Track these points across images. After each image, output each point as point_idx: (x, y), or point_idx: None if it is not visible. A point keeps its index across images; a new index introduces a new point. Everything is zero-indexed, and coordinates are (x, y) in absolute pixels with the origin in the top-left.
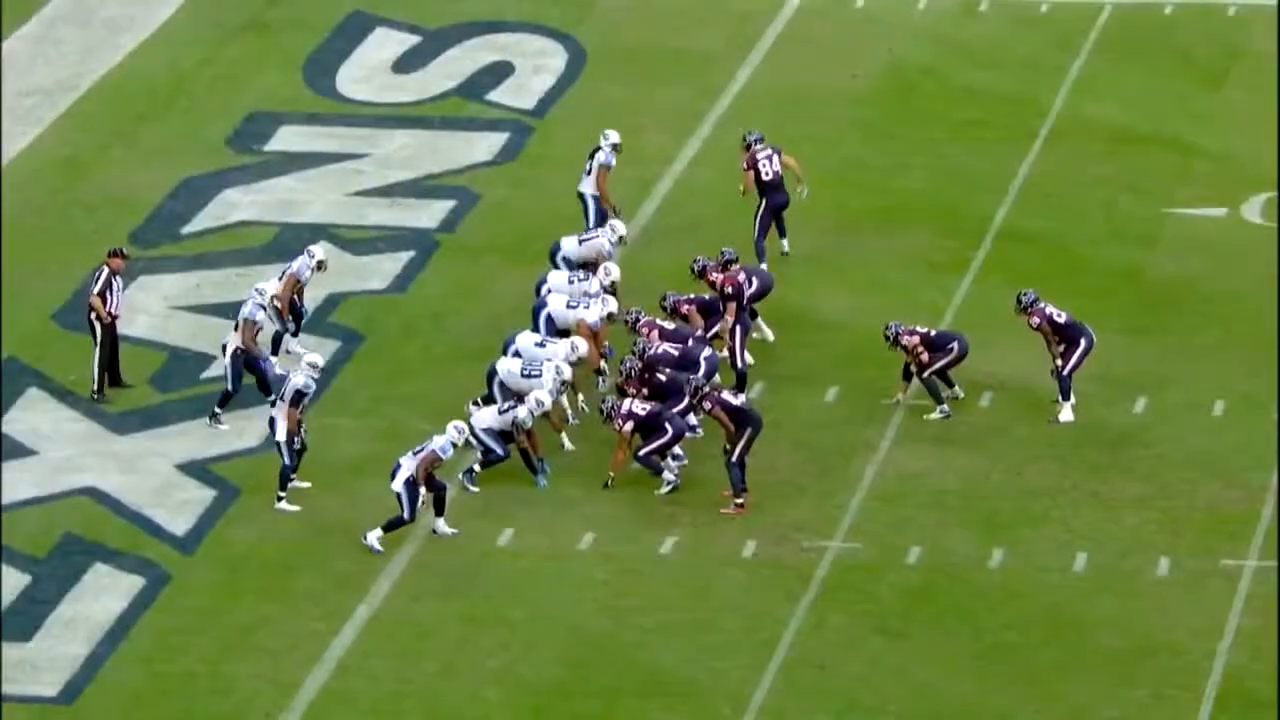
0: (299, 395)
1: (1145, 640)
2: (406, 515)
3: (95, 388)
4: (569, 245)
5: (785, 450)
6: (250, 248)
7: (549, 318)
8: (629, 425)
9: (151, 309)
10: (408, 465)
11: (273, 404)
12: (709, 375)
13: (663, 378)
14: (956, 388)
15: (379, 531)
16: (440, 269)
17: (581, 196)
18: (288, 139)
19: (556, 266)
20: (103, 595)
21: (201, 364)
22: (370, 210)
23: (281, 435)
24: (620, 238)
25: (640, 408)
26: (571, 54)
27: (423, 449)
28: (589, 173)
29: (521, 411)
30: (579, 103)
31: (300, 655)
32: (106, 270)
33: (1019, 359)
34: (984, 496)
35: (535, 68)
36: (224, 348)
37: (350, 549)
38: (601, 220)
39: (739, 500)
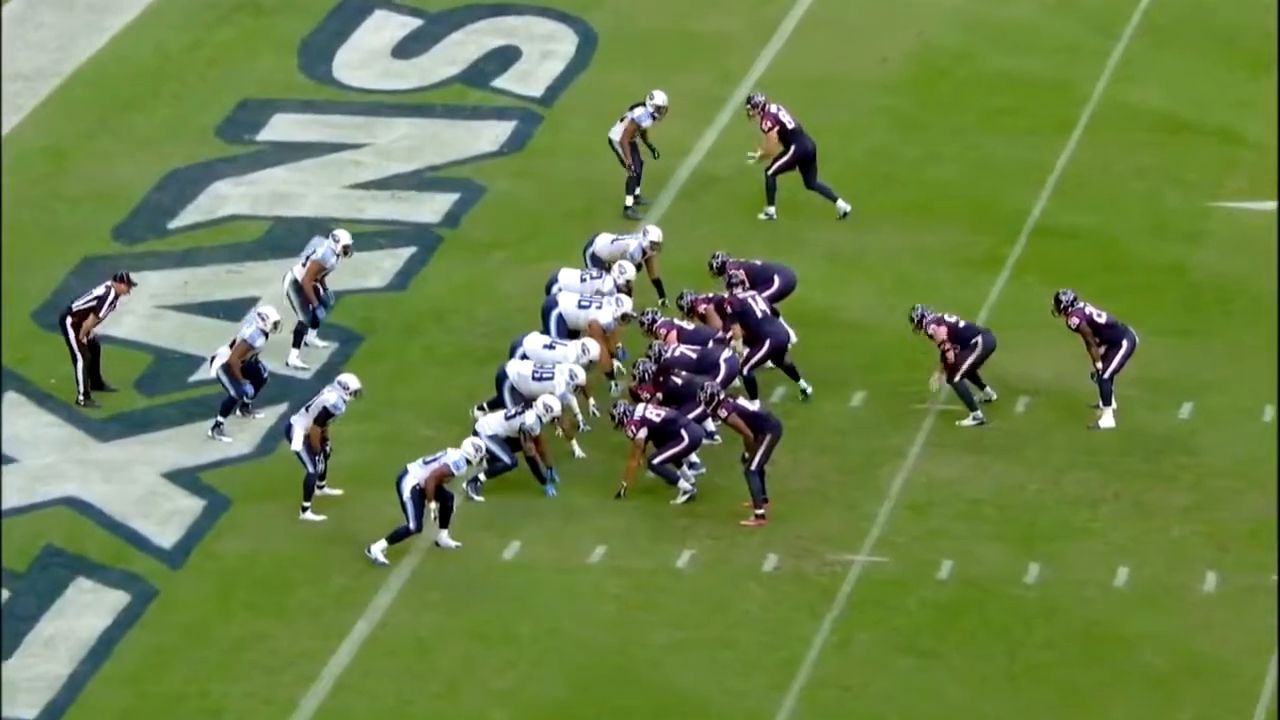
0: (326, 414)
1: (1190, 659)
2: (413, 525)
3: (82, 393)
4: (601, 243)
5: (808, 458)
6: (242, 243)
7: (559, 317)
8: (642, 432)
9: (137, 308)
10: (416, 473)
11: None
12: (729, 379)
13: (678, 381)
14: (988, 389)
15: (383, 543)
16: (443, 266)
17: (610, 143)
18: (281, 128)
19: (586, 264)
20: (85, 612)
21: (189, 366)
22: (369, 204)
23: (299, 444)
24: (653, 243)
25: (654, 413)
26: (582, 38)
27: (435, 460)
28: (620, 120)
29: (529, 417)
30: (590, 90)
31: (295, 674)
32: (112, 294)
33: (1057, 362)
34: (1020, 507)
35: (543, 53)
36: (211, 360)
37: (348, 561)
38: (634, 169)
39: (759, 511)
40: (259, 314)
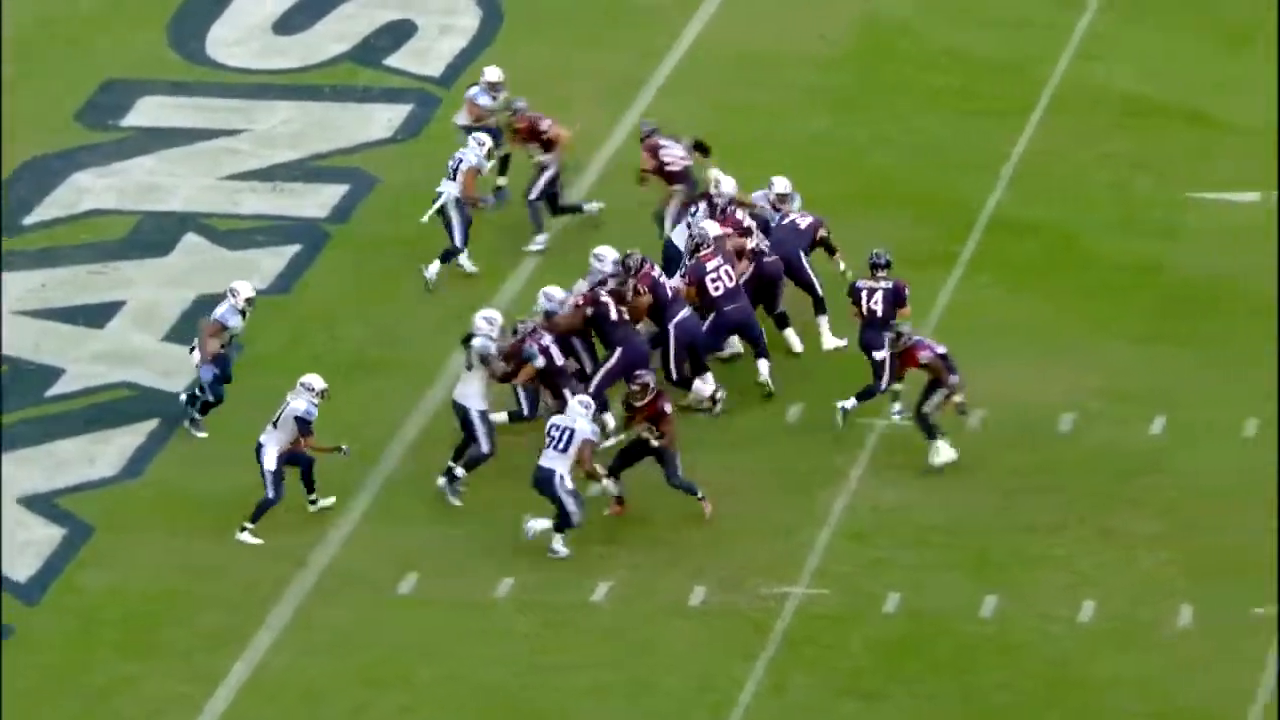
0: (304, 423)
1: (1164, 703)
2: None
3: None
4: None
5: (741, 479)
6: (106, 241)
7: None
8: (540, 360)
9: None
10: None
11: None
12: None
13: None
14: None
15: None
16: (331, 266)
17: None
18: (149, 112)
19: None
20: None
21: (46, 378)
22: (248, 197)
23: (271, 465)
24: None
25: (555, 349)
26: (486, 11)
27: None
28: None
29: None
30: None
31: None
32: None
33: (1015, 372)
34: (973, 533)
35: (442, 28)
36: (191, 350)
37: (224, 597)
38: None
39: (616, 495)
40: (231, 289)
